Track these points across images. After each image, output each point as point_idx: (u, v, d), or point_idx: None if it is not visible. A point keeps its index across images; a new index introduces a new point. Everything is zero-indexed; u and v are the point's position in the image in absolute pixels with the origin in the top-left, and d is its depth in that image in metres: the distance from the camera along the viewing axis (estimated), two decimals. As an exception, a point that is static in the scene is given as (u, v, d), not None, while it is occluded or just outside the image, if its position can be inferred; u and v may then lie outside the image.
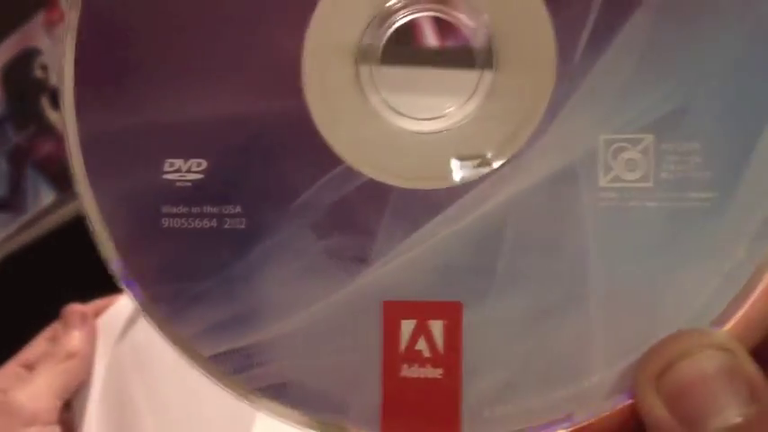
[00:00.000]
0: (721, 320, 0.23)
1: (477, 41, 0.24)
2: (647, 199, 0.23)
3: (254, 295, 0.24)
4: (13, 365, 0.51)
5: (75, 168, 0.24)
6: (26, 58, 0.80)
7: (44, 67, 0.79)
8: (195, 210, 0.23)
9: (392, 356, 0.24)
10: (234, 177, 0.23)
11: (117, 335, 0.53)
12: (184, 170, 0.23)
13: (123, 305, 0.53)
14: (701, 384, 0.21)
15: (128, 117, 0.23)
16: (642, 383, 0.22)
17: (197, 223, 0.23)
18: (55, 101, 0.78)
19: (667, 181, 0.23)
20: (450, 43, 0.25)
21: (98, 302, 0.54)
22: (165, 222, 0.24)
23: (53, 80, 0.78)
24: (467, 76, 0.24)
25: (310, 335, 0.24)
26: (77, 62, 0.23)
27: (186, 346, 0.24)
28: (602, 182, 0.23)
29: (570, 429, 0.25)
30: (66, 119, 0.23)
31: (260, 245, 0.24)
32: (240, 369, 0.24)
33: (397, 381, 0.24)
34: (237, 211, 0.23)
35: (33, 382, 0.48)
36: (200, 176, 0.23)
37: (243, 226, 0.23)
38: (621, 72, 0.23)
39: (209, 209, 0.23)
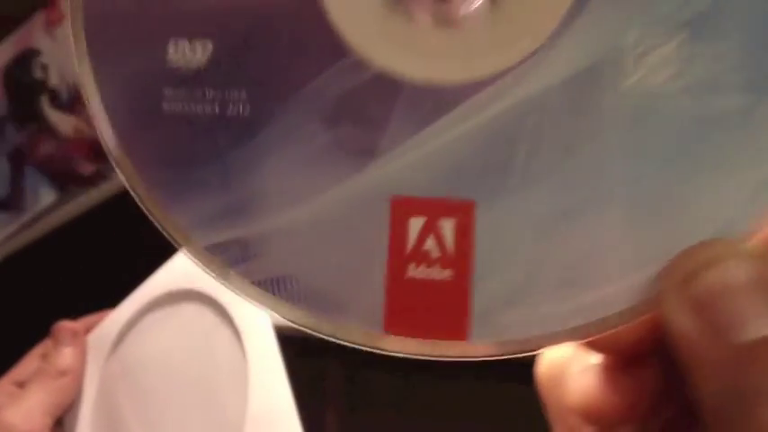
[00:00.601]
0: (752, 232, 0.22)
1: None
2: (676, 101, 0.22)
3: (254, 184, 0.23)
4: (4, 383, 0.51)
5: (77, 47, 0.23)
6: (26, 58, 0.82)
7: (44, 68, 0.80)
8: (198, 93, 0.22)
9: (398, 255, 0.23)
10: (239, 63, 0.23)
11: (107, 351, 0.53)
12: (188, 52, 0.22)
13: (113, 321, 0.54)
14: (731, 293, 0.20)
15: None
16: (667, 291, 0.21)
17: (199, 108, 0.22)
18: (54, 101, 0.79)
19: (698, 82, 0.22)
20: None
21: (88, 319, 0.55)
22: (167, 106, 0.23)
23: (53, 80, 0.79)
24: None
25: (312, 228, 0.23)
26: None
27: (183, 234, 0.23)
28: (629, 81, 0.22)
29: (586, 341, 0.24)
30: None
31: (263, 132, 0.23)
32: (237, 260, 0.23)
33: (402, 281, 0.23)
34: (241, 97, 0.22)
35: (25, 401, 0.48)
36: (204, 60, 0.22)
37: (246, 112, 0.23)
38: None
39: (212, 93, 0.22)
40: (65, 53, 0.78)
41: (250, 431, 0.49)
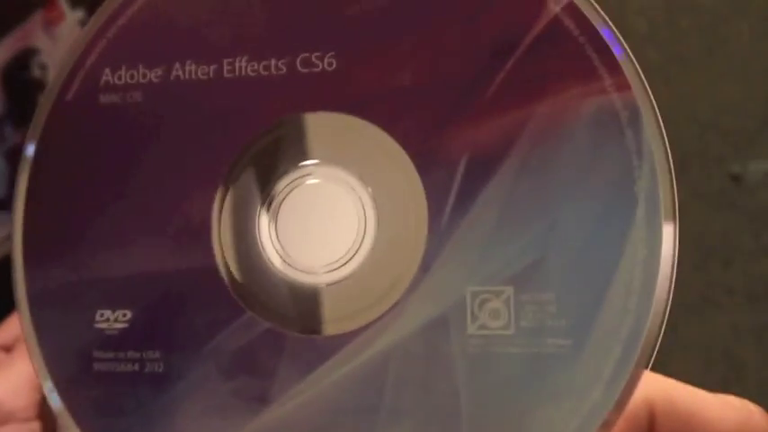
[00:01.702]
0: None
1: (363, 208, 0.28)
2: (510, 345, 0.26)
3: (170, 431, 0.27)
4: None
5: (24, 320, 0.28)
6: (24, 57, 0.80)
7: (42, 67, 0.80)
8: (121, 355, 0.28)
9: None
10: (154, 326, 0.28)
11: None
12: (113, 320, 0.27)
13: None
14: None
15: (65, 276, 0.28)
16: None
17: (122, 366, 0.27)
18: (53, 100, 0.80)
19: (527, 329, 0.26)
20: (340, 208, 0.28)
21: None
22: (96, 366, 0.28)
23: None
24: (354, 237, 0.28)
25: None
26: (24, 232, 0.28)
27: None
28: (470, 329, 0.26)
29: None
30: (16, 279, 0.28)
31: (175, 386, 0.27)
32: None
33: None
34: (157, 356, 0.27)
35: (12, 372, 0.44)
36: (125, 326, 0.28)
37: (161, 369, 0.27)
38: (483, 230, 0.26)
39: (132, 354, 0.27)
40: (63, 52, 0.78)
41: None
